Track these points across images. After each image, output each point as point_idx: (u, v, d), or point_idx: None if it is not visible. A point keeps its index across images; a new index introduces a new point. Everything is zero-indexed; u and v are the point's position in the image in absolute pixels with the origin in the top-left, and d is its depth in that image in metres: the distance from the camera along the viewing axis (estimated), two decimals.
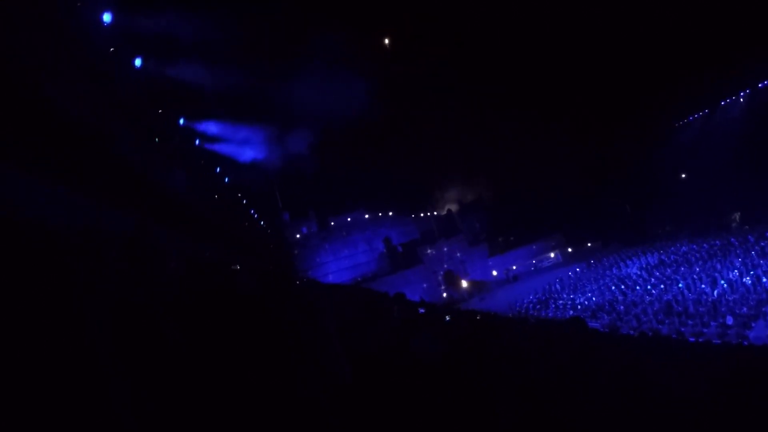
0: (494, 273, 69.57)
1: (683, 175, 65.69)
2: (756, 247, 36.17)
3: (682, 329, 25.99)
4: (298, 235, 73.00)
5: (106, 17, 15.15)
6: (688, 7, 55.24)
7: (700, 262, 38.59)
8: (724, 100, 62.83)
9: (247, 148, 63.87)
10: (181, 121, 24.55)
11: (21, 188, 9.84)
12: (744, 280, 29.26)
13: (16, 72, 10.01)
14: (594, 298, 39.93)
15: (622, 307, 33.38)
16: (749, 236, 40.76)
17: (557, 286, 50.74)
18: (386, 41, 75.05)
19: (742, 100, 61.09)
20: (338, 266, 71.76)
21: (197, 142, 28.18)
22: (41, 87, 10.86)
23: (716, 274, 32.19)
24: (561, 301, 43.29)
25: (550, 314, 40.01)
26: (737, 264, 33.04)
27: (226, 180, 36.05)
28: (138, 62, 17.83)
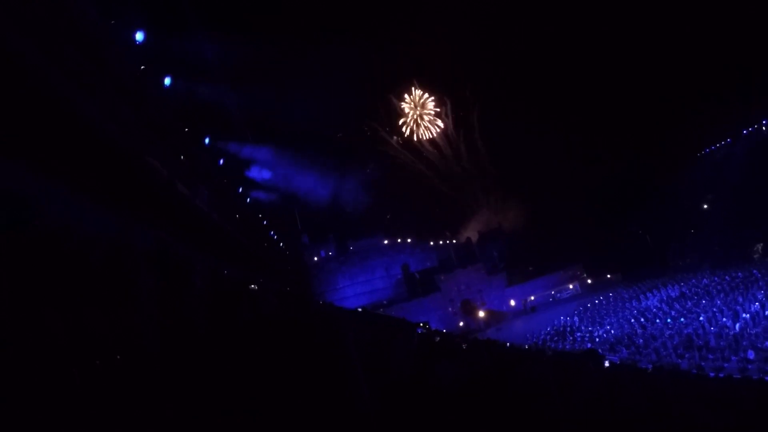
0: (512, 303, 68.80)
1: (705, 206, 64.94)
2: None
3: (703, 363, 25.54)
4: (316, 258, 73.25)
5: (139, 36, 15.70)
6: (711, 38, 55.45)
7: (722, 295, 37.91)
8: (746, 129, 62.20)
9: (270, 170, 64.74)
10: (207, 141, 25.05)
11: (49, 198, 10.15)
12: (766, 313, 28.75)
13: (47, 86, 10.39)
14: (613, 331, 39.34)
15: (641, 341, 32.86)
16: None
17: (575, 317, 50.12)
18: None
19: (764, 128, 60.40)
20: (355, 291, 71.67)
21: (221, 162, 28.66)
22: (71, 101, 11.23)
23: (738, 307, 31.64)
24: (579, 334, 42.68)
25: (567, 347, 39.49)
26: (760, 296, 32.45)
27: (248, 200, 36.50)
28: (167, 81, 18.36)
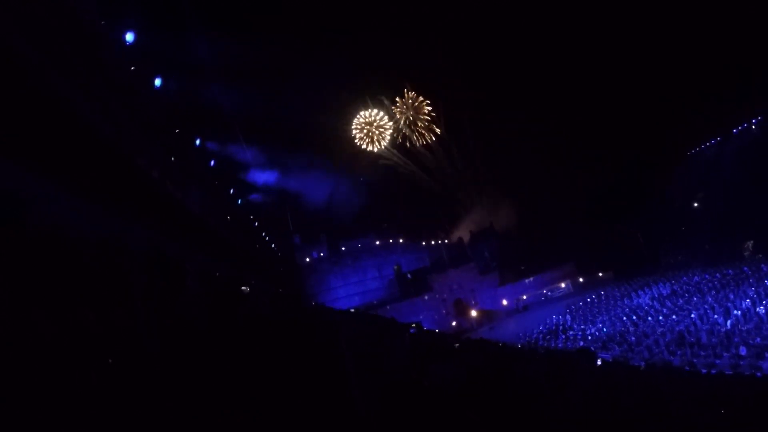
0: (504, 302, 68.95)
1: (695, 205, 65.27)
2: None
3: (695, 360, 25.63)
4: (308, 259, 73.10)
5: (129, 37, 15.59)
6: (701, 37, 55.85)
7: (713, 292, 38.10)
8: (737, 128, 62.55)
9: (261, 171, 64.63)
10: (197, 142, 24.93)
11: (40, 197, 10.05)
12: (757, 309, 28.87)
13: (43, 85, 10.29)
14: (605, 329, 39.45)
15: (633, 338, 32.95)
16: (762, 265, 40.26)
17: (567, 316, 50.28)
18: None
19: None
20: (347, 291, 71.59)
21: (212, 163, 28.54)
22: (66, 101, 11.14)
23: (729, 304, 31.78)
24: (571, 332, 42.77)
25: (560, 345, 39.57)
26: (750, 293, 32.61)
27: (239, 202, 36.37)
28: (158, 82, 18.24)
